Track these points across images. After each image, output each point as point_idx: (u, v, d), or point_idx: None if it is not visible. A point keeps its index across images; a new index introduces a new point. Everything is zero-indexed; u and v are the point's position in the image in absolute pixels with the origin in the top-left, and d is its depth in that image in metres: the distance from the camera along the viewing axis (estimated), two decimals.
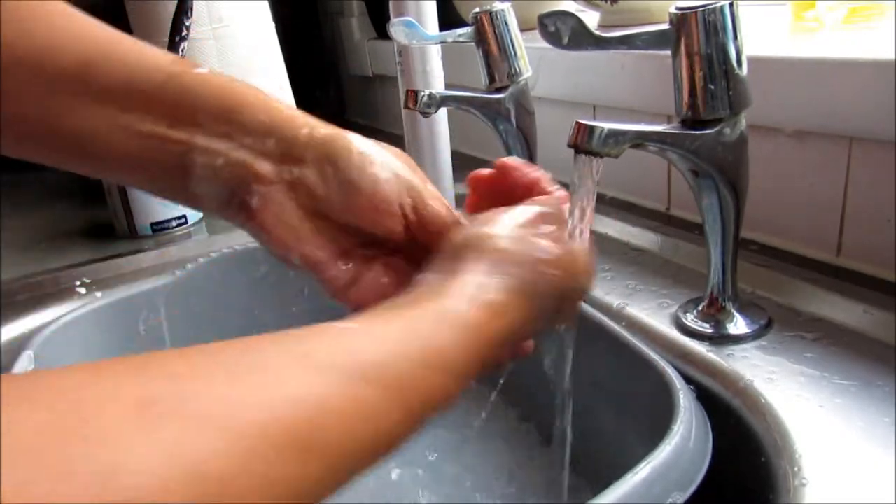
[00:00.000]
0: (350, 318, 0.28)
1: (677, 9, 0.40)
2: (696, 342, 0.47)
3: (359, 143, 0.37)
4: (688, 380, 0.42)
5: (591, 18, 0.76)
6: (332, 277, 0.37)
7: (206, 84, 0.36)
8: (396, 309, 0.29)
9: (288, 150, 0.36)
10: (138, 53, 0.36)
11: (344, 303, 0.38)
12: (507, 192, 0.39)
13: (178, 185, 0.36)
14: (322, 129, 0.36)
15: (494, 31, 0.60)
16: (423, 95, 0.58)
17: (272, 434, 0.21)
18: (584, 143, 0.37)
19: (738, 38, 0.40)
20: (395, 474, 0.58)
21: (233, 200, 0.36)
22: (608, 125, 0.37)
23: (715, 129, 0.41)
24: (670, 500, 0.33)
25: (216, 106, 0.35)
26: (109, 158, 0.36)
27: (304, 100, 0.90)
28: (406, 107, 0.59)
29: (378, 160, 0.37)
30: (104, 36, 0.36)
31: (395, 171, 0.37)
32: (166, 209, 0.78)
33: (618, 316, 0.51)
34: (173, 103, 0.35)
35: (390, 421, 0.25)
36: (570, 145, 0.37)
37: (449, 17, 0.81)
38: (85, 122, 0.35)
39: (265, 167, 0.35)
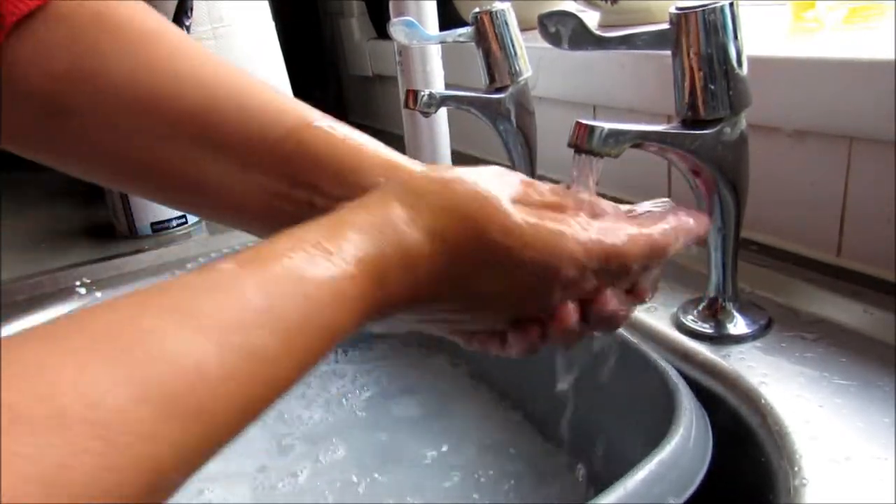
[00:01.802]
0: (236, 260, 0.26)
1: (677, 9, 0.40)
2: (697, 342, 0.47)
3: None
4: (688, 380, 0.42)
5: (592, 18, 0.75)
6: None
7: (324, 142, 0.36)
8: (277, 257, 0.26)
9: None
10: (261, 103, 0.36)
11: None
12: None
13: None
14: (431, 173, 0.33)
15: (494, 31, 0.60)
16: (423, 95, 0.58)
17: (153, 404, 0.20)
18: (584, 143, 0.37)
19: (738, 38, 0.40)
20: (391, 473, 0.58)
21: None
22: (608, 125, 0.37)
23: (715, 128, 0.41)
24: (670, 500, 0.33)
25: (333, 168, 0.35)
26: (225, 209, 0.36)
27: (304, 100, 0.90)
28: (406, 107, 0.59)
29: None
30: (228, 80, 0.36)
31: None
32: (166, 209, 0.78)
33: None
34: (292, 163, 0.35)
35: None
36: (570, 145, 0.37)
37: (449, 17, 0.81)
38: (197, 168, 0.35)
39: None
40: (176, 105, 0.35)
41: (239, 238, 0.72)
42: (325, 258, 0.26)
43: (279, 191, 0.35)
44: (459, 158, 0.77)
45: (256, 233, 0.38)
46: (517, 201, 0.31)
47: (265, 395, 0.23)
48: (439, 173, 0.32)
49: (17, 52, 0.34)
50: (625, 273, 0.33)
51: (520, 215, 0.31)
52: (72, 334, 0.21)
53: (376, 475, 0.58)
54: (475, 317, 0.33)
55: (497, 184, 0.32)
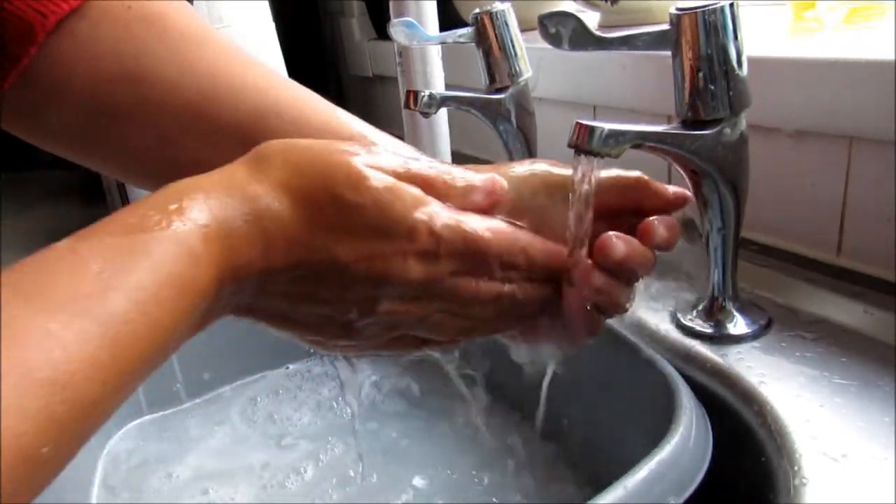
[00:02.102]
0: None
1: (677, 9, 0.40)
2: (696, 342, 0.47)
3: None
4: (688, 380, 0.42)
5: (592, 19, 0.75)
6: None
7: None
8: (119, 223, 0.26)
9: None
10: (315, 111, 0.35)
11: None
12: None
13: None
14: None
15: (495, 32, 0.60)
16: (424, 96, 0.58)
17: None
18: (584, 143, 0.37)
19: (738, 38, 0.40)
20: (391, 469, 0.58)
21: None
22: (608, 125, 0.37)
23: (715, 129, 0.41)
24: (670, 500, 0.33)
25: None
26: None
27: None
28: (406, 107, 0.59)
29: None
30: (280, 88, 0.35)
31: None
32: None
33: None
34: None
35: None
36: (570, 145, 0.37)
37: (449, 18, 0.81)
38: None
39: None
40: (226, 110, 0.34)
41: None
42: (167, 218, 0.26)
43: None
44: (460, 158, 0.77)
45: None
46: (376, 167, 0.30)
47: (128, 358, 0.23)
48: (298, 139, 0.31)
49: (62, 52, 0.34)
50: (484, 266, 0.32)
51: (373, 173, 0.29)
52: None
53: (375, 474, 0.58)
54: (338, 296, 0.31)
55: (357, 149, 0.30)
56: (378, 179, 0.29)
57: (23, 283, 0.23)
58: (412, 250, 0.30)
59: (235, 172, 0.29)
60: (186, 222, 0.26)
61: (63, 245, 0.25)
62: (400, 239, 0.30)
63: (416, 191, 0.30)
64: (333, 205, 0.29)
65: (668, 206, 0.36)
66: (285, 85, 0.36)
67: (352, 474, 0.58)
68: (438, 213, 0.31)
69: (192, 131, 0.35)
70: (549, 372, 0.42)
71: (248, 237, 0.28)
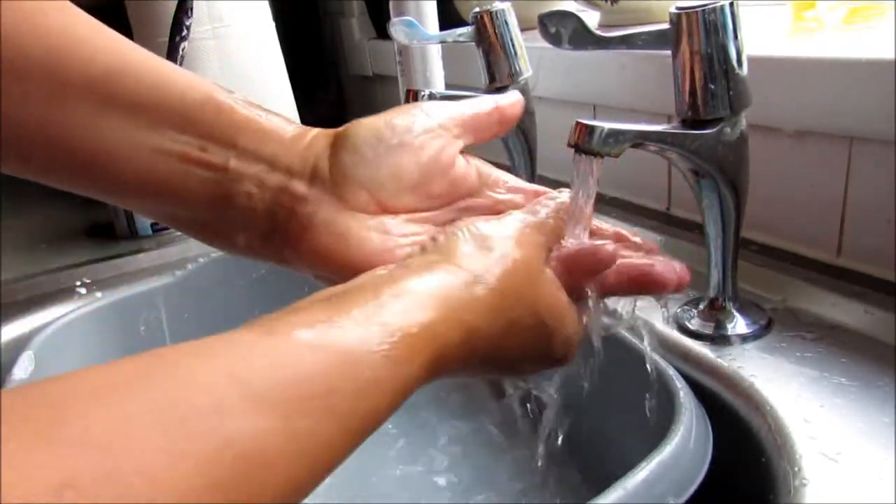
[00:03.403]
0: (264, 325, 0.25)
1: (677, 9, 0.40)
2: (697, 342, 0.47)
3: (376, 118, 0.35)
4: (688, 380, 0.42)
5: (592, 18, 0.75)
6: None
7: (243, 107, 0.34)
8: (316, 324, 0.25)
9: (315, 161, 0.34)
10: (169, 69, 0.34)
11: None
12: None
13: (208, 217, 0.34)
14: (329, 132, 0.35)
15: (494, 31, 0.60)
16: (424, 95, 0.58)
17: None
18: (584, 142, 0.37)
19: (738, 38, 0.40)
20: (388, 467, 0.58)
21: (274, 233, 0.34)
22: (608, 125, 0.37)
23: (715, 129, 0.41)
24: (670, 500, 0.33)
25: (254, 126, 0.34)
26: (129, 181, 0.33)
27: (305, 100, 0.90)
28: None
29: (408, 112, 0.35)
30: (136, 50, 0.34)
31: (429, 113, 0.35)
32: None
33: (617, 315, 0.51)
34: (210, 122, 0.33)
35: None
36: (570, 145, 0.37)
37: (449, 17, 0.81)
38: (106, 137, 0.32)
39: (300, 186, 0.33)
40: (84, 68, 0.32)
41: None
42: (382, 335, 0.25)
43: (192, 153, 0.33)
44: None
45: (158, 212, 0.36)
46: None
47: (315, 479, 0.23)
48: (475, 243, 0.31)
49: None
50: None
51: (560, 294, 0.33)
52: (124, 401, 0.19)
53: (374, 471, 0.58)
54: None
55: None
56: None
57: (235, 361, 0.22)
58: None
59: (450, 281, 0.29)
60: (401, 343, 0.26)
61: (283, 332, 0.24)
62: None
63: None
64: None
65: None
66: (134, 47, 0.34)
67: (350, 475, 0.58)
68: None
69: (42, 94, 0.32)
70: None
71: (457, 356, 0.28)
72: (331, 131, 0.35)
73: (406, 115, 0.35)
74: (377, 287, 0.27)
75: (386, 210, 0.34)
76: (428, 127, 0.35)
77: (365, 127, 0.35)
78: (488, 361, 0.30)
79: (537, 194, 0.38)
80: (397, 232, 0.34)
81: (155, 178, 0.33)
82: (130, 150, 0.32)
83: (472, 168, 0.37)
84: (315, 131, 0.35)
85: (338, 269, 0.33)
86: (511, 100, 0.39)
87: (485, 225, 0.32)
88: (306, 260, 0.34)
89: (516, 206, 0.36)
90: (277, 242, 0.34)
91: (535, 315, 0.31)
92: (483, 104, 0.38)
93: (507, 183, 0.38)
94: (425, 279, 0.28)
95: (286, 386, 0.22)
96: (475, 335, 0.28)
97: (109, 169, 0.33)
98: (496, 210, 0.36)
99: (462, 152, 0.37)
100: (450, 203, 0.36)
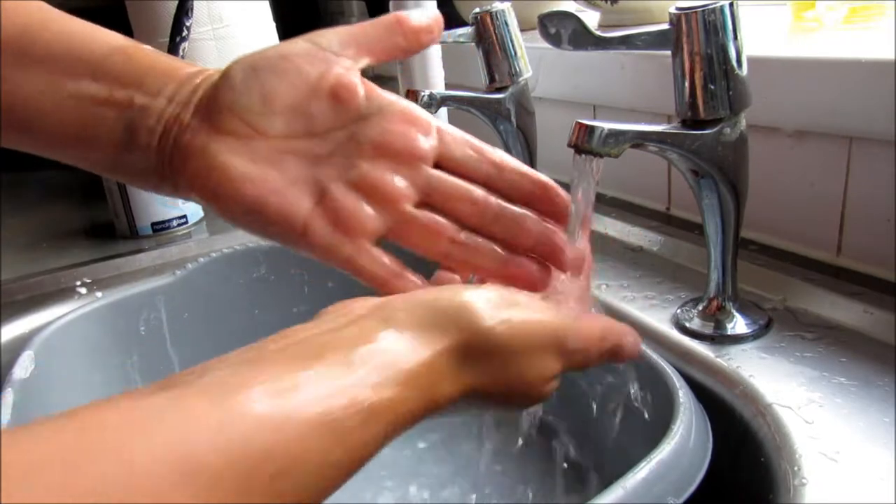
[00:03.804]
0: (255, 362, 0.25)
1: (677, 9, 0.40)
2: (696, 342, 0.47)
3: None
4: (688, 380, 0.42)
5: (591, 18, 0.76)
6: (315, 236, 0.33)
7: (152, 53, 0.35)
8: (299, 362, 0.25)
9: (202, 94, 0.34)
10: (83, 25, 0.36)
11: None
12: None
13: (121, 156, 0.35)
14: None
15: (494, 31, 0.60)
16: (424, 95, 0.58)
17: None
18: (584, 143, 0.37)
19: (738, 38, 0.40)
20: (385, 464, 0.58)
21: (169, 165, 0.34)
22: (608, 125, 0.37)
23: (715, 129, 0.41)
24: (670, 500, 0.33)
25: (161, 67, 0.35)
26: (46, 127, 0.35)
27: None
28: None
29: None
30: (52, 11, 0.36)
31: (314, 39, 0.34)
32: (167, 209, 0.78)
33: (618, 316, 0.51)
34: (120, 68, 0.34)
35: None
36: (570, 145, 0.37)
37: (449, 18, 0.81)
38: (22, 87, 0.34)
39: (187, 116, 0.34)
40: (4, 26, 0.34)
41: (240, 238, 0.72)
42: (347, 407, 0.25)
43: (102, 95, 0.34)
44: None
45: (78, 157, 0.37)
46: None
47: None
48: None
49: None
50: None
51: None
52: (57, 483, 0.19)
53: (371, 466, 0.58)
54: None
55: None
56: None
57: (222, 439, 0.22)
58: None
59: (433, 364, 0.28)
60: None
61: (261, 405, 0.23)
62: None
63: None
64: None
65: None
66: (49, 8, 0.36)
67: None
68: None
69: None
70: None
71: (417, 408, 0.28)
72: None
73: (289, 43, 0.34)
74: (347, 350, 0.26)
75: (258, 134, 0.33)
76: (306, 51, 0.34)
77: (245, 58, 0.34)
78: (452, 413, 0.30)
79: (425, 126, 0.35)
80: (270, 157, 0.33)
81: (72, 123, 0.34)
82: (47, 98, 0.34)
83: (363, 93, 0.34)
84: (212, 70, 0.36)
85: (209, 197, 0.33)
86: (418, 16, 0.36)
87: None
88: (190, 188, 0.34)
89: (405, 142, 0.34)
90: (169, 173, 0.34)
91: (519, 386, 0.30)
92: (382, 21, 0.36)
93: (407, 113, 0.35)
94: (397, 349, 0.27)
95: (238, 469, 0.21)
96: (442, 407, 0.28)
97: (29, 118, 0.34)
98: (382, 144, 0.34)
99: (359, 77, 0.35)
100: (334, 129, 0.34)
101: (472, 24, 0.61)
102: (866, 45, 0.51)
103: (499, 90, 0.61)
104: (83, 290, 0.66)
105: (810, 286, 0.49)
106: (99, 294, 0.65)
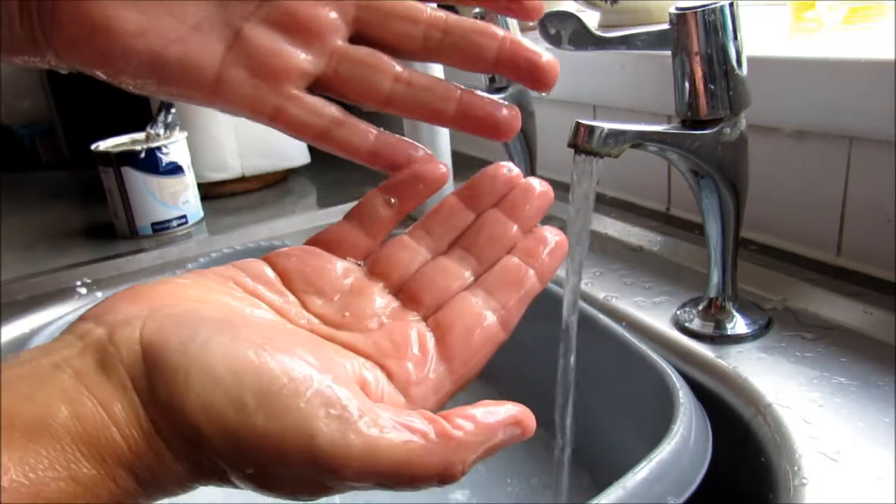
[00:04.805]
0: None
1: (677, 9, 0.40)
2: (696, 342, 0.47)
3: None
4: (688, 380, 0.42)
5: (592, 18, 0.75)
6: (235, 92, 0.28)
7: None
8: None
9: None
10: None
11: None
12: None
13: None
14: None
15: None
16: None
17: None
18: (584, 143, 0.37)
19: (738, 38, 0.40)
20: None
21: (41, 30, 0.28)
22: (608, 125, 0.37)
23: (715, 129, 0.41)
24: (670, 500, 0.33)
25: None
26: None
27: None
28: None
29: None
30: None
31: None
32: (167, 209, 0.78)
33: (617, 316, 0.51)
34: None
35: None
36: (570, 145, 0.37)
37: None
38: None
39: None
40: None
41: (240, 238, 0.72)
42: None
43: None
44: (460, 159, 0.77)
45: None
46: None
47: None
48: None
49: None
50: None
51: None
52: None
53: None
54: None
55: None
56: None
57: None
58: None
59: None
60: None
61: None
62: None
63: None
64: None
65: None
66: None
67: None
68: None
69: None
70: (570, 373, 0.42)
71: None
72: None
73: None
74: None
75: None
76: None
77: None
78: None
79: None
80: (162, 2, 0.28)
81: None
82: None
83: None
84: None
85: (97, 62, 0.28)
86: None
87: None
88: (72, 55, 0.28)
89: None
90: (44, 41, 0.28)
91: None
92: None
93: None
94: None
95: None
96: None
97: None
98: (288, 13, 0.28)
99: None
100: None
101: None
102: (866, 45, 0.51)
103: (498, 90, 0.61)
104: (83, 290, 0.66)
105: (810, 286, 0.49)
106: (99, 294, 0.65)
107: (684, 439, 0.36)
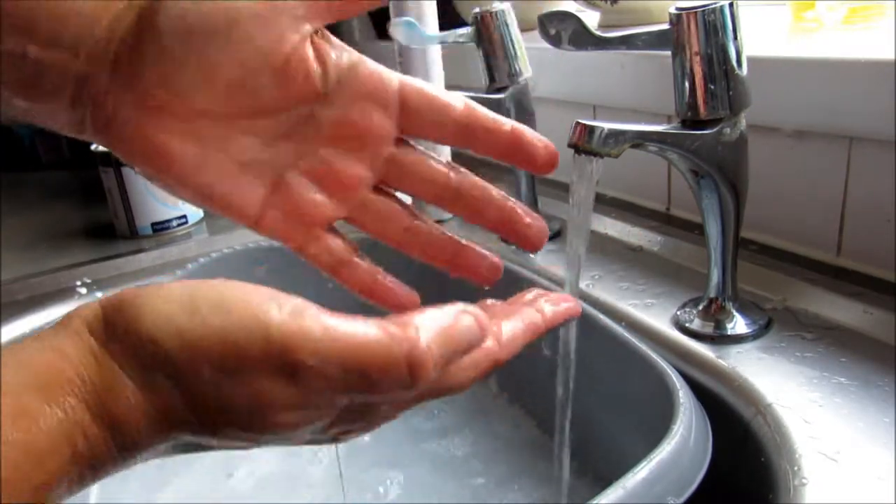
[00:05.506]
0: None
1: (677, 9, 0.40)
2: (696, 342, 0.47)
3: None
4: (688, 380, 0.42)
5: (591, 18, 0.76)
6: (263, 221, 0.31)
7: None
8: None
9: (116, 48, 0.28)
10: None
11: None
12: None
13: (28, 106, 0.29)
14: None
15: (494, 32, 0.60)
16: None
17: None
18: (584, 143, 0.37)
19: (738, 38, 0.40)
20: (382, 463, 0.58)
21: (95, 129, 0.29)
22: (608, 125, 0.37)
23: (715, 129, 0.41)
24: (670, 500, 0.33)
25: (49, 15, 0.27)
26: None
27: None
28: None
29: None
30: None
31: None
32: (167, 209, 0.78)
33: (617, 316, 0.51)
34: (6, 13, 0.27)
35: None
36: (570, 145, 0.37)
37: (449, 17, 0.81)
38: None
39: (103, 77, 0.28)
40: None
41: (240, 238, 0.72)
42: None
43: None
44: (460, 159, 0.77)
45: None
46: None
47: None
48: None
49: None
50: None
51: None
52: None
53: (370, 465, 0.58)
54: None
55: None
56: None
57: None
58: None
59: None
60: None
61: None
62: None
63: None
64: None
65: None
66: None
67: (336, 475, 0.58)
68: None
69: None
70: (570, 373, 0.42)
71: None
72: (138, 3, 0.28)
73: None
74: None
75: (199, 113, 0.28)
76: (256, 12, 0.28)
77: (176, 10, 0.27)
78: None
79: (385, 98, 0.31)
80: (216, 138, 0.29)
81: None
82: None
83: (320, 63, 0.30)
84: (122, 4, 0.28)
85: (155, 177, 0.30)
86: None
87: None
88: (132, 163, 0.30)
89: (365, 124, 0.31)
90: (102, 139, 0.29)
91: None
92: None
93: (367, 84, 0.31)
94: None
95: None
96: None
97: None
98: (341, 127, 0.31)
99: (314, 43, 0.31)
100: (286, 107, 0.30)
101: (472, 25, 0.61)
102: (866, 45, 0.51)
103: (499, 90, 0.61)
104: (83, 290, 0.66)
105: (810, 286, 0.49)
106: (99, 294, 0.65)
107: (684, 439, 0.36)
